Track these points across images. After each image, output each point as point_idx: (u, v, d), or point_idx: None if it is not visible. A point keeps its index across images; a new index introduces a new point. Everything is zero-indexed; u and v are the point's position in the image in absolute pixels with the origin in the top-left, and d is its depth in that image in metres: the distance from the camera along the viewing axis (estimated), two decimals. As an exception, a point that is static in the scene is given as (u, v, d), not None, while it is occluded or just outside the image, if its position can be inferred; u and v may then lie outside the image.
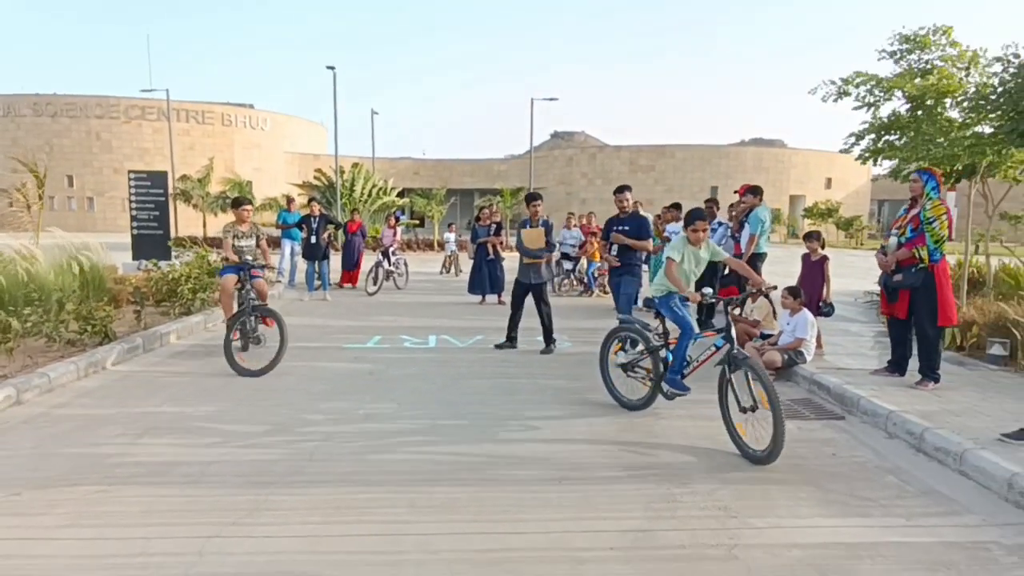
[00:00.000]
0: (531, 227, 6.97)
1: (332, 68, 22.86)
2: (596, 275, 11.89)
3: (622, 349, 5.07)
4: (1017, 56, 6.48)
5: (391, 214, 14.13)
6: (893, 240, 5.23)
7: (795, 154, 43.94)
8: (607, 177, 41.31)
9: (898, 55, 8.36)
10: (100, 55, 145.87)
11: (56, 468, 3.58)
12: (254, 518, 3.03)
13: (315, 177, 25.09)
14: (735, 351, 4.03)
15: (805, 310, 5.78)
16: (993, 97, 6.69)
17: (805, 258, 6.55)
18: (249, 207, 6.55)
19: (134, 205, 10.96)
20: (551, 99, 29.26)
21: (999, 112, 6.35)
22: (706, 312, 8.15)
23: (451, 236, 16.05)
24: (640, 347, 4.86)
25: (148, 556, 2.69)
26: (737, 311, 6.92)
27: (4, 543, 2.78)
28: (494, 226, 11.06)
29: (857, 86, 8.67)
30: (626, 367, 4.90)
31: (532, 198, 7.09)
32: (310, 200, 12.05)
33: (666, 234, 9.71)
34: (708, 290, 4.84)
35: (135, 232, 10.97)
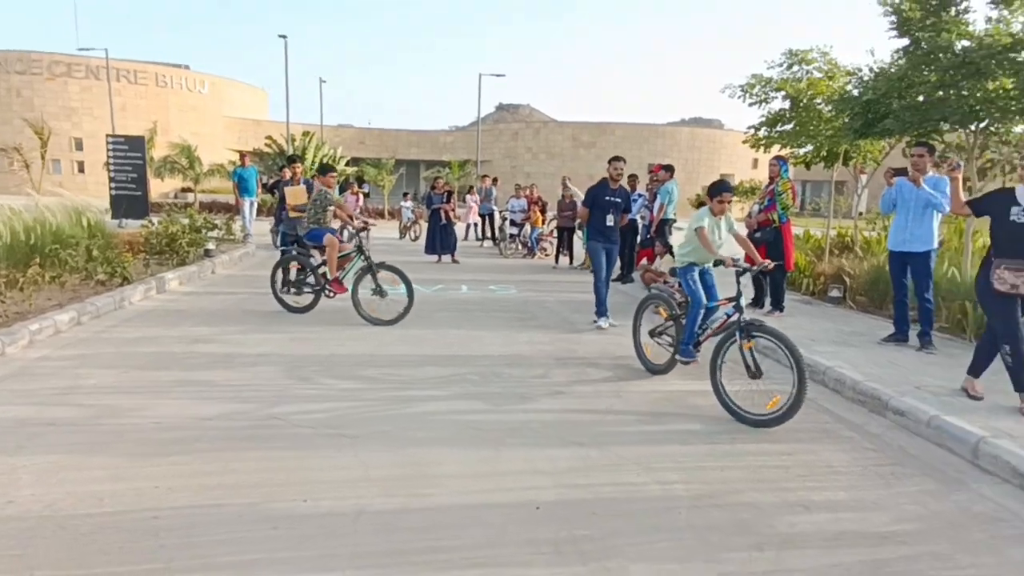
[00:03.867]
0: (293, 186, 7.93)
1: (284, 37, 23.26)
2: (538, 239, 13.53)
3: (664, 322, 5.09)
4: (859, 70, 8.45)
5: (354, 182, 15.19)
6: (755, 208, 7.07)
7: (726, 135, 46.80)
8: (551, 152, 42.99)
9: (784, 65, 10.21)
10: (20, 8, 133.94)
11: (141, 361, 4.88)
12: (309, 381, 4.52)
13: (266, 144, 25.45)
14: (746, 319, 4.20)
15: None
16: (848, 100, 8.59)
17: (699, 222, 8.35)
18: (335, 174, 7.04)
19: (113, 167, 11.69)
20: (498, 75, 30.48)
21: (847, 112, 8.25)
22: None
23: (408, 204, 17.25)
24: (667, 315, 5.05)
25: (243, 397, 4.12)
26: (656, 263, 8.71)
27: (143, 392, 4.15)
28: (447, 194, 12.46)
29: (753, 87, 10.54)
30: (653, 333, 5.12)
31: (292, 160, 8.03)
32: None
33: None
34: (738, 257, 4.74)
35: (113, 192, 11.72)
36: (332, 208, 6.95)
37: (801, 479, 3.28)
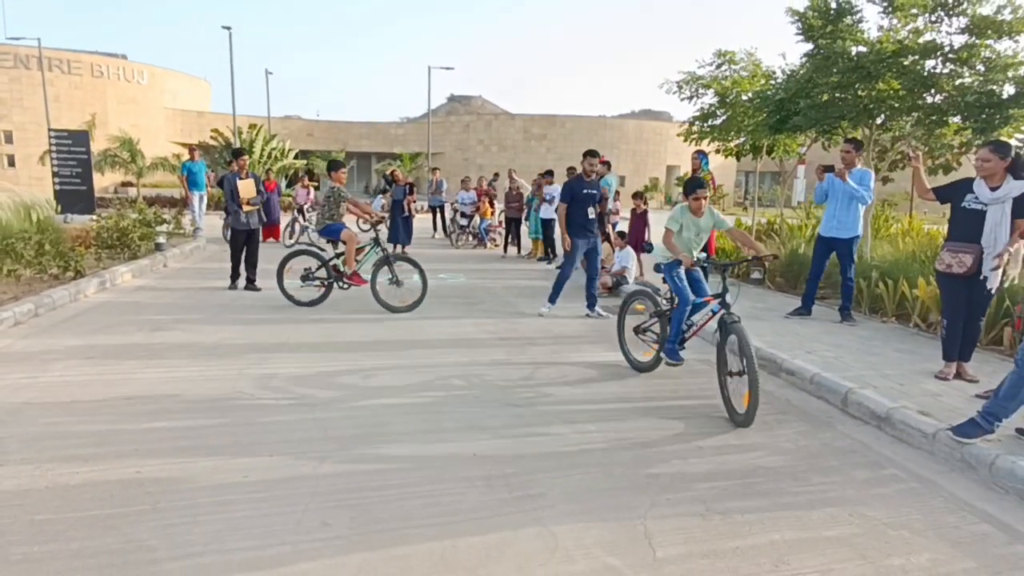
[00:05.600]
0: (243, 179, 7.73)
1: (228, 28, 22.85)
2: (487, 230, 14.02)
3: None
4: (774, 73, 9.27)
5: (304, 175, 15.26)
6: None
7: (672, 127, 47.88)
8: (502, 144, 43.42)
9: (714, 65, 10.98)
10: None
11: (104, 348, 5.14)
12: (268, 362, 4.88)
13: (212, 137, 24.99)
14: (726, 316, 4.09)
15: (628, 247, 8.23)
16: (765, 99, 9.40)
17: (633, 212, 9.02)
18: (345, 170, 7.22)
19: (56, 162, 11.54)
20: (447, 68, 30.61)
21: (763, 110, 9.05)
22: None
23: (380, 200, 17.34)
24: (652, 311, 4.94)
25: (206, 376, 4.47)
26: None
27: (110, 374, 4.44)
28: (409, 187, 12.78)
29: (687, 84, 11.29)
30: (638, 330, 5.00)
31: (239, 153, 8.01)
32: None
33: (545, 196, 11.91)
34: (702, 255, 4.77)
35: (58, 187, 11.57)
36: (345, 203, 7.13)
37: (699, 427, 3.89)
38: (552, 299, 7.05)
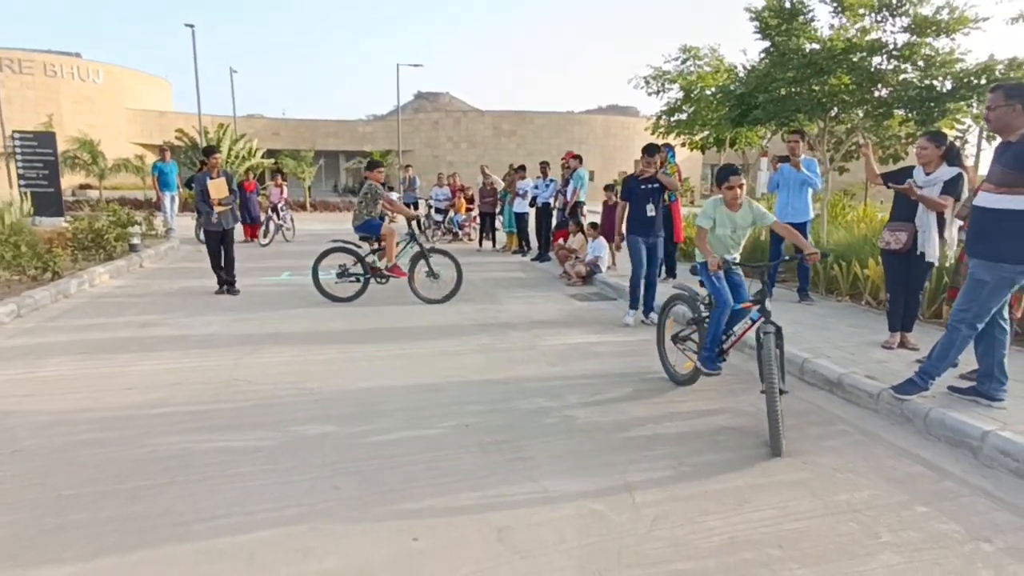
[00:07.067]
0: (214, 179, 7.49)
1: (191, 26, 22.52)
2: (462, 224, 14.27)
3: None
4: (735, 67, 9.73)
5: (277, 174, 15.24)
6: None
7: (638, 122, 48.85)
8: (472, 141, 43.56)
9: (679, 60, 11.43)
10: None
11: (95, 344, 5.25)
12: (260, 352, 5.07)
13: (177, 137, 24.58)
14: (762, 326, 3.61)
15: (601, 238, 8.58)
16: (727, 94, 9.86)
17: (604, 204, 9.37)
18: (382, 169, 7.41)
19: (21, 164, 11.35)
20: (416, 65, 30.61)
21: (725, 104, 9.51)
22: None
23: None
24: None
25: (203, 367, 4.65)
26: (562, 244, 9.64)
27: (106, 367, 4.58)
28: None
29: (655, 78, 11.72)
30: (676, 339, 4.50)
31: (209, 152, 7.75)
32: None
33: (518, 191, 12.18)
34: (732, 255, 4.22)
35: (23, 190, 11.40)
36: (381, 201, 7.34)
37: (671, 395, 4.24)
38: (633, 305, 6.43)
